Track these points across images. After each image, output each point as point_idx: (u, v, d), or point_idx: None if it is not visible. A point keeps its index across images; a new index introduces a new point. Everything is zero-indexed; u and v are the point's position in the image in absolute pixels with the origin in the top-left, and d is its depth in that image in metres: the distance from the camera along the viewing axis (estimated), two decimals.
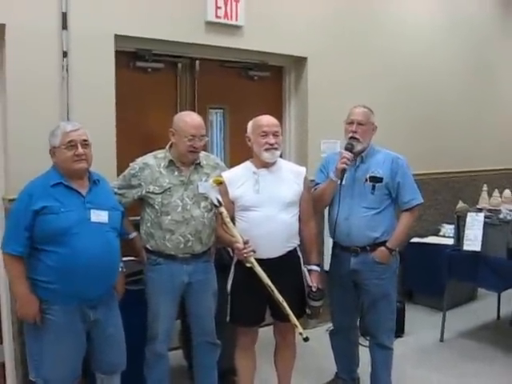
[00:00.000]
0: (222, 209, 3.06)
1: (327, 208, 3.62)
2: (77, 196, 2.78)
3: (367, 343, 3.75)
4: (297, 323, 3.08)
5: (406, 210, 3.48)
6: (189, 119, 3.24)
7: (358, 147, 3.42)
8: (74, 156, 2.75)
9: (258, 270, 3.03)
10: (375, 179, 3.40)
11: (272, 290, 3.03)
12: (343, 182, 3.37)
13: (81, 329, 2.79)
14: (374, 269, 3.42)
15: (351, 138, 3.41)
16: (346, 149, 3.37)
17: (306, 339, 3.07)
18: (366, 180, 3.41)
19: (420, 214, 4.86)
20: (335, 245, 3.59)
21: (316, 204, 3.53)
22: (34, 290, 2.71)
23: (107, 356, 2.93)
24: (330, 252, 3.68)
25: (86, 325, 2.81)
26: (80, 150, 2.76)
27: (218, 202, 3.06)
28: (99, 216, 2.80)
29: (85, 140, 2.80)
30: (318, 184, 3.55)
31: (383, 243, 3.42)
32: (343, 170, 3.32)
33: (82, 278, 2.70)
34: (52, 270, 2.68)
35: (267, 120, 3.22)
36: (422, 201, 3.53)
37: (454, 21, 6.17)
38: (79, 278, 2.69)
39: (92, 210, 2.78)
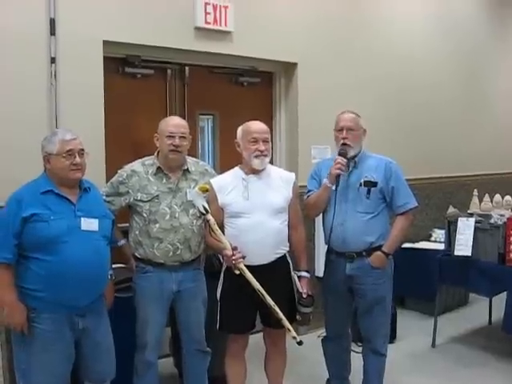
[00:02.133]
0: (209, 216, 3.05)
1: (321, 214, 3.60)
2: (67, 204, 2.75)
3: (359, 349, 3.74)
4: (290, 327, 3.07)
5: (401, 214, 3.47)
6: (168, 119, 3.30)
7: (351, 152, 3.41)
8: (71, 165, 2.73)
9: (248, 275, 3.02)
10: (370, 183, 3.39)
11: (263, 295, 3.01)
12: (337, 188, 3.37)
13: (69, 337, 2.76)
14: (370, 274, 3.40)
15: (343, 144, 3.40)
16: (340, 154, 3.36)
17: (299, 343, 3.06)
18: (361, 184, 3.39)
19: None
20: (330, 251, 3.56)
21: (310, 210, 3.51)
22: (22, 298, 2.68)
23: (96, 365, 2.90)
24: (323, 258, 3.66)
25: (75, 333, 2.78)
26: (78, 159, 2.75)
27: (205, 209, 3.04)
28: (90, 224, 2.77)
29: (82, 149, 2.79)
30: (310, 191, 3.53)
31: (378, 248, 3.41)
32: (338, 176, 3.32)
33: (71, 287, 2.67)
34: (41, 278, 2.66)
35: (257, 126, 3.20)
36: (417, 204, 3.52)
37: (446, 26, 6.20)
38: (68, 287, 2.67)
39: (82, 218, 2.76)
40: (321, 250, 4.56)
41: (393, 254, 3.50)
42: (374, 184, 3.39)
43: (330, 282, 3.55)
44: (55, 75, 3.53)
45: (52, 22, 3.51)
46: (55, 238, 2.65)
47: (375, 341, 3.51)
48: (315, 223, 4.65)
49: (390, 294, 3.54)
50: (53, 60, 3.52)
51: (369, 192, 3.38)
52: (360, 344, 3.77)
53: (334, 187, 3.36)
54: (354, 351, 3.92)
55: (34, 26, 3.47)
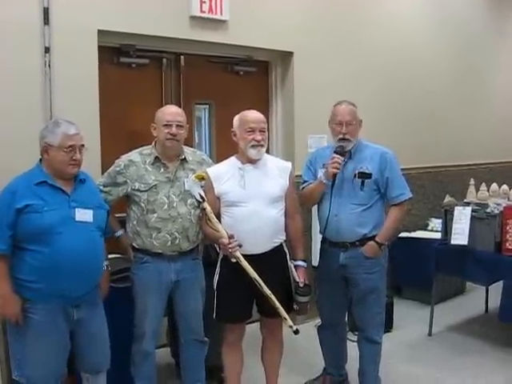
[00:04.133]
0: (206, 204, 3.05)
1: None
2: (61, 194, 2.74)
3: (356, 338, 3.75)
4: (286, 316, 3.07)
5: (395, 205, 3.47)
6: (165, 108, 3.30)
7: (349, 146, 3.39)
8: (70, 160, 2.72)
9: (245, 264, 3.01)
10: (364, 175, 3.38)
11: (259, 284, 3.01)
12: (334, 184, 3.35)
13: (64, 328, 2.76)
14: (363, 263, 3.41)
15: (341, 139, 3.37)
16: (337, 152, 3.34)
17: (296, 332, 3.06)
18: (355, 176, 3.38)
19: (408, 208, 4.86)
20: (324, 240, 3.57)
21: (304, 202, 3.51)
22: (16, 289, 2.67)
23: (91, 355, 2.90)
24: (319, 247, 3.66)
25: (70, 324, 2.78)
26: (78, 155, 2.74)
27: (201, 197, 3.05)
28: (84, 215, 2.76)
29: (82, 145, 2.78)
30: (305, 182, 3.53)
31: (372, 238, 3.41)
32: (335, 174, 3.30)
33: (65, 278, 2.66)
34: (35, 270, 2.65)
35: (254, 116, 3.18)
36: (411, 195, 3.53)
37: (444, 15, 6.18)
38: (62, 278, 2.66)
39: (77, 209, 2.74)
40: (317, 239, 4.56)
41: (387, 244, 3.50)
42: (369, 176, 3.38)
43: (324, 270, 3.57)
44: (49, 65, 3.51)
45: (46, 11, 3.48)
46: (49, 229, 2.64)
47: (369, 330, 3.52)
48: (312, 213, 4.65)
49: (383, 284, 3.54)
50: (47, 50, 3.49)
51: (363, 184, 3.37)
52: (356, 333, 3.78)
53: (330, 182, 3.35)
54: (350, 340, 3.94)
55: (28, 16, 3.44)
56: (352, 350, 3.77)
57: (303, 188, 3.52)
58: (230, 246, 2.99)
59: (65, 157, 2.71)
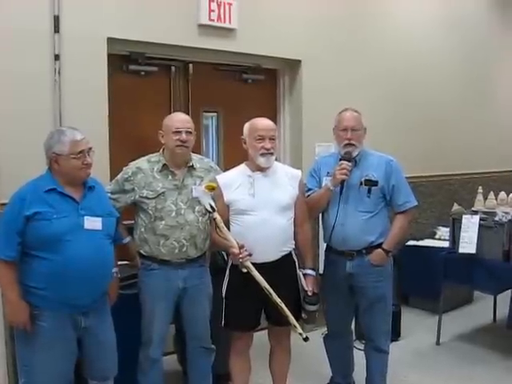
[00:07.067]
0: (216, 214, 3.04)
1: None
2: (71, 202, 2.74)
3: (362, 347, 3.73)
4: (296, 324, 3.07)
5: (401, 213, 3.46)
6: (173, 116, 3.32)
7: (355, 153, 3.39)
8: (82, 165, 2.73)
9: (255, 273, 3.01)
10: (371, 182, 3.37)
11: (270, 293, 3.00)
12: (342, 191, 3.35)
13: (71, 335, 2.76)
14: (370, 272, 3.40)
15: (347, 144, 3.37)
16: (344, 159, 3.34)
17: (305, 339, 3.06)
18: (361, 184, 3.38)
19: (415, 216, 4.86)
20: (329, 249, 3.56)
21: (310, 210, 3.49)
22: (24, 296, 2.67)
23: (98, 363, 2.90)
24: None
25: (77, 331, 2.78)
26: (88, 159, 2.76)
27: (211, 207, 3.03)
28: (93, 223, 2.76)
29: (90, 148, 2.79)
30: (310, 189, 3.51)
31: (378, 246, 3.40)
32: (342, 181, 3.30)
33: (73, 286, 2.66)
34: (43, 277, 2.65)
35: (264, 124, 3.19)
36: (417, 203, 3.52)
37: (450, 22, 6.17)
38: (70, 286, 2.66)
39: (86, 217, 2.74)
40: (325, 247, 4.56)
41: (392, 252, 3.49)
42: (375, 183, 3.37)
43: (329, 280, 3.55)
44: (59, 72, 3.53)
45: (56, 19, 3.51)
46: (58, 237, 2.64)
47: (377, 339, 3.51)
48: (319, 221, 4.64)
49: (390, 292, 3.53)
50: (57, 57, 3.52)
51: (369, 191, 3.37)
52: (364, 341, 3.77)
53: (337, 189, 3.34)
54: (357, 348, 3.92)
55: (38, 24, 3.47)
56: (359, 358, 3.75)
57: (308, 196, 3.50)
58: (240, 255, 2.99)
59: (76, 162, 2.72)
